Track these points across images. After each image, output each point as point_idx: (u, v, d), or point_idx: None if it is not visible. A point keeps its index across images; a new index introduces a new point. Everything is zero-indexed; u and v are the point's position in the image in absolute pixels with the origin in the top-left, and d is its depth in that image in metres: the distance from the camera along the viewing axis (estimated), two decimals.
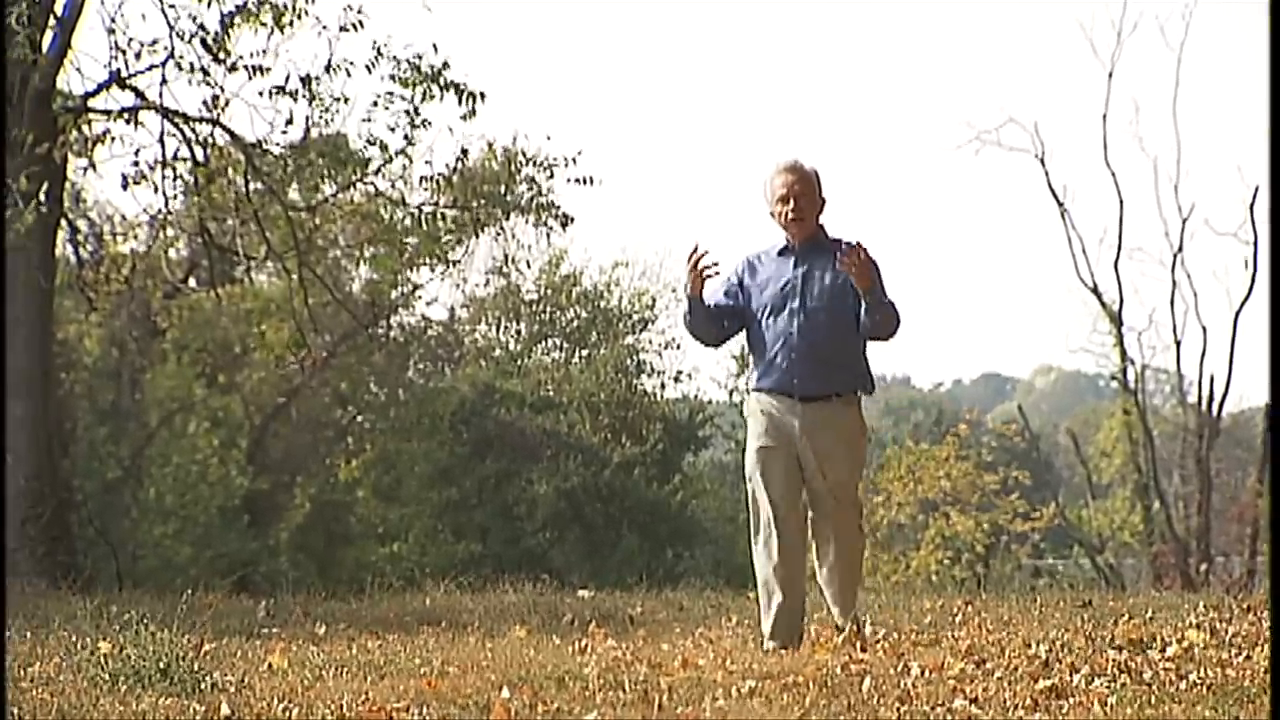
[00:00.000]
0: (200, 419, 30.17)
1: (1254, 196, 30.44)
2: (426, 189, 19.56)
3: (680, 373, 34.01)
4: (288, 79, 17.54)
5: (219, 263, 21.95)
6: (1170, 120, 45.01)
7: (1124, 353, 32.79)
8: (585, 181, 21.11)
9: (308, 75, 17.57)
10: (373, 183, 19.29)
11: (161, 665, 7.10)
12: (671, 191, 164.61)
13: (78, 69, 17.59)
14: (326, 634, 10.18)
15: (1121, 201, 32.51)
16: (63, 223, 19.12)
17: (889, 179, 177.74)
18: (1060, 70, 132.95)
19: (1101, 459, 43.97)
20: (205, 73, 17.28)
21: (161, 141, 17.85)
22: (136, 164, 17.86)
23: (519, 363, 33.84)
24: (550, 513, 29.60)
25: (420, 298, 32.43)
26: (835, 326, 8.42)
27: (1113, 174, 32.77)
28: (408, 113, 18.08)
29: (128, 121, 17.67)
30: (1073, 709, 6.07)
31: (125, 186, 17.97)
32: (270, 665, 7.93)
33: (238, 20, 17.07)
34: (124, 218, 24.67)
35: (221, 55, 17.20)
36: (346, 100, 17.88)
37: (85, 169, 19.11)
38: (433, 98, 18.00)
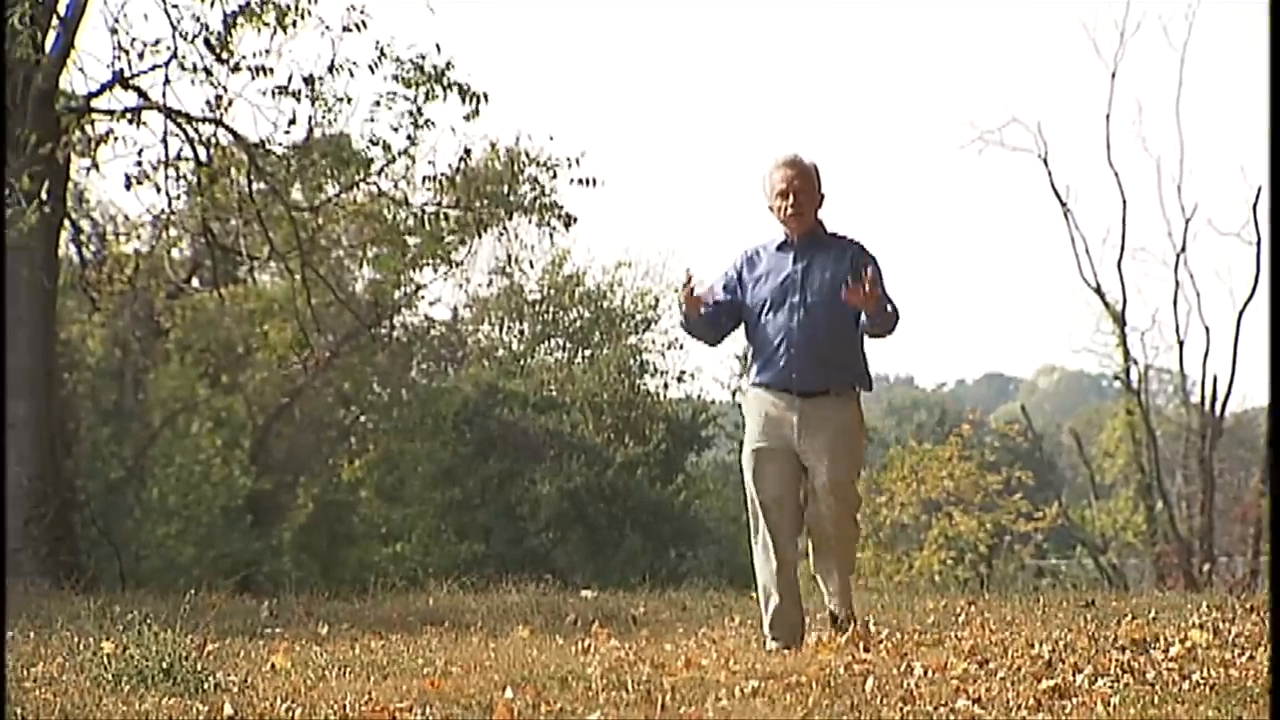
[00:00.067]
0: (203, 419, 30.17)
1: (1257, 196, 30.46)
2: (429, 189, 19.60)
3: (683, 373, 34.05)
4: (291, 79, 17.57)
5: (222, 263, 21.94)
6: (1173, 120, 44.93)
7: (1127, 353, 32.80)
8: (588, 182, 21.11)
9: (311, 75, 17.59)
10: (376, 183, 19.32)
11: (165, 665, 7.10)
12: (674, 192, 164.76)
13: (81, 69, 17.64)
14: (329, 634, 10.18)
15: (1124, 201, 32.55)
16: (66, 223, 19.12)
17: (892, 179, 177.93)
18: (1063, 70, 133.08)
19: (1104, 459, 44.00)
20: (208, 73, 17.30)
21: (164, 141, 17.90)
22: (139, 164, 17.90)
23: (522, 363, 33.85)
24: (553, 513, 29.60)
25: (423, 298, 32.47)
26: (834, 323, 8.41)
27: (1116, 174, 32.86)
28: (411, 113, 18.10)
29: (131, 121, 17.68)
30: (1076, 709, 6.07)
31: (128, 186, 18.01)
32: (273, 665, 7.93)
33: (241, 20, 17.09)
34: (127, 218, 24.76)
35: (224, 55, 17.22)
36: (349, 100, 17.92)
37: (88, 169, 19.14)
38: (436, 98, 18.02)
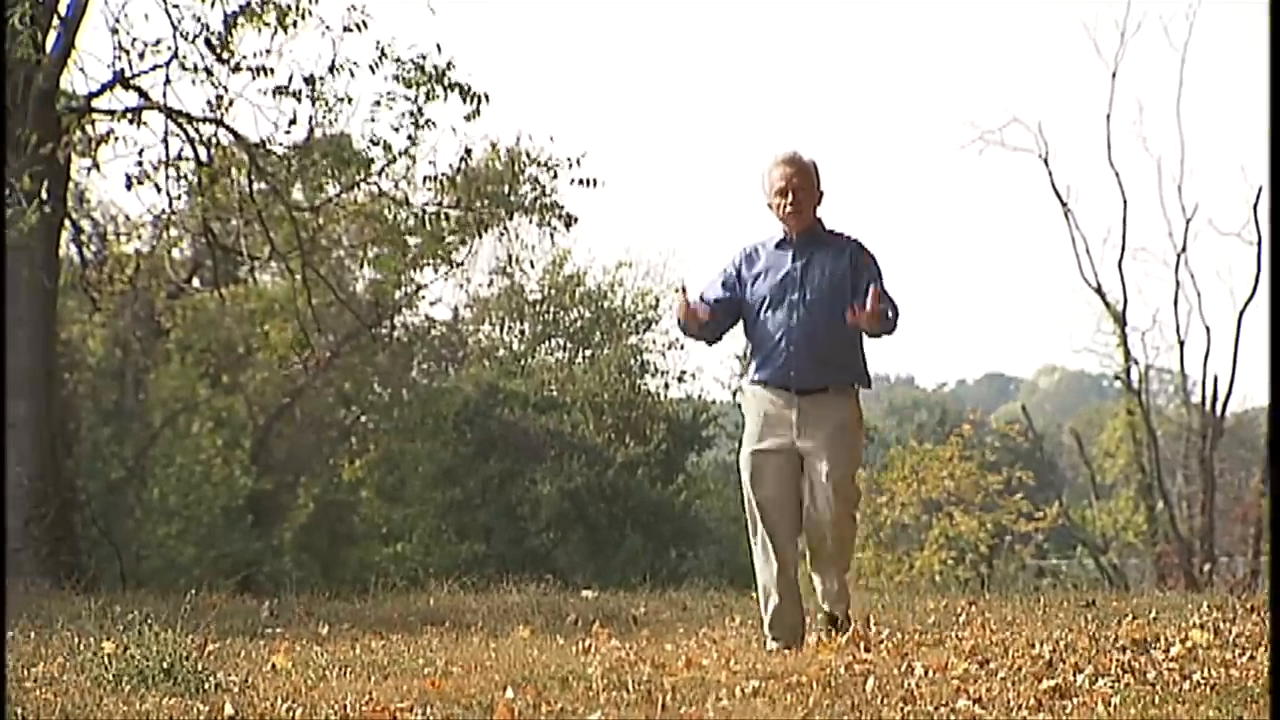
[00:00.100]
0: (204, 419, 30.18)
1: (1257, 196, 30.46)
2: (430, 189, 19.60)
3: (684, 373, 34.06)
4: (291, 79, 17.57)
5: (223, 263, 21.94)
6: (1174, 120, 44.95)
7: (1128, 353, 32.81)
8: (589, 183, 21.09)
9: (311, 75, 17.59)
10: (376, 183, 19.32)
11: (165, 665, 7.10)
12: (675, 192, 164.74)
13: (81, 69, 17.64)
14: (330, 634, 10.18)
15: (1125, 201, 32.55)
16: (66, 223, 19.12)
17: (893, 179, 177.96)
18: (1064, 70, 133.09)
19: (1105, 459, 44.00)
20: (209, 73, 17.30)
21: (165, 141, 17.90)
22: (140, 164, 17.90)
23: (523, 363, 33.86)
24: (554, 513, 29.61)
25: (424, 298, 32.48)
26: (833, 320, 8.40)
27: (1116, 174, 32.87)
28: (411, 113, 18.09)
29: (131, 121, 17.68)
30: (1076, 709, 6.07)
31: (129, 186, 18.01)
32: (274, 665, 7.93)
33: (241, 20, 17.09)
34: (128, 218, 24.77)
35: (225, 55, 17.22)
36: (350, 100, 17.92)
37: (89, 169, 19.15)
38: (436, 98, 18.01)
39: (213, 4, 16.93)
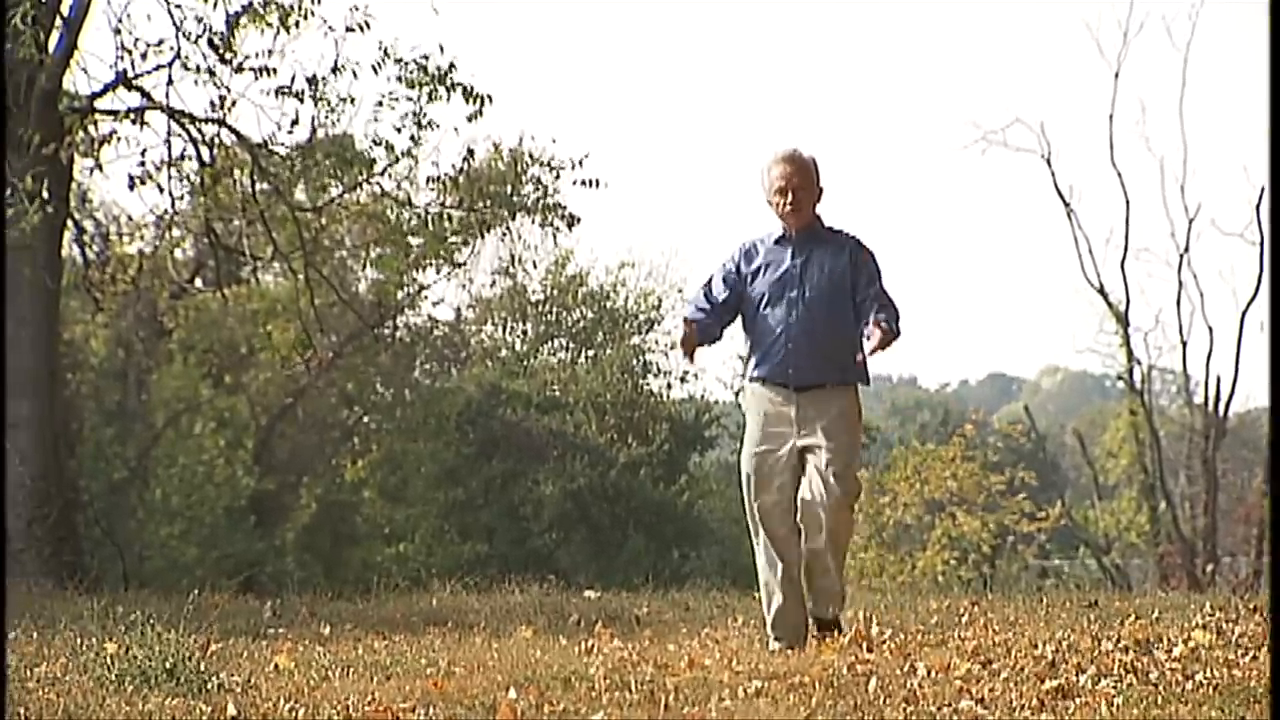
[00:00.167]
0: (206, 419, 30.19)
1: (1260, 196, 30.44)
2: (432, 189, 19.58)
3: (686, 373, 34.02)
4: (294, 79, 17.57)
5: (225, 263, 21.93)
6: (1177, 120, 45.24)
7: (1130, 353, 32.79)
8: (591, 184, 21.09)
9: (314, 76, 17.58)
10: (379, 183, 19.30)
11: (168, 666, 7.11)
12: (677, 192, 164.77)
13: (84, 69, 17.65)
14: (332, 634, 10.18)
15: (1128, 202, 32.52)
16: (69, 223, 19.12)
17: (896, 179, 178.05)
18: (1066, 71, 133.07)
19: (1108, 459, 43.96)
20: (211, 73, 17.30)
21: (168, 142, 17.88)
22: (143, 164, 17.89)
23: (525, 363, 33.85)
24: (556, 513, 29.61)
25: (426, 298, 32.46)
26: (833, 318, 8.42)
27: (1119, 174, 32.77)
28: (414, 113, 18.08)
29: (134, 122, 17.68)
30: (1079, 709, 6.07)
31: (131, 187, 18.00)
32: (276, 666, 7.93)
33: (244, 21, 17.08)
34: (130, 218, 24.78)
35: (228, 56, 17.21)
36: (353, 101, 17.90)
37: (91, 169, 19.17)
38: (439, 99, 18.00)
39: (215, 4, 16.93)
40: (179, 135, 17.90)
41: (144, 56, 17.25)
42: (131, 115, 17.64)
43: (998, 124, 34.16)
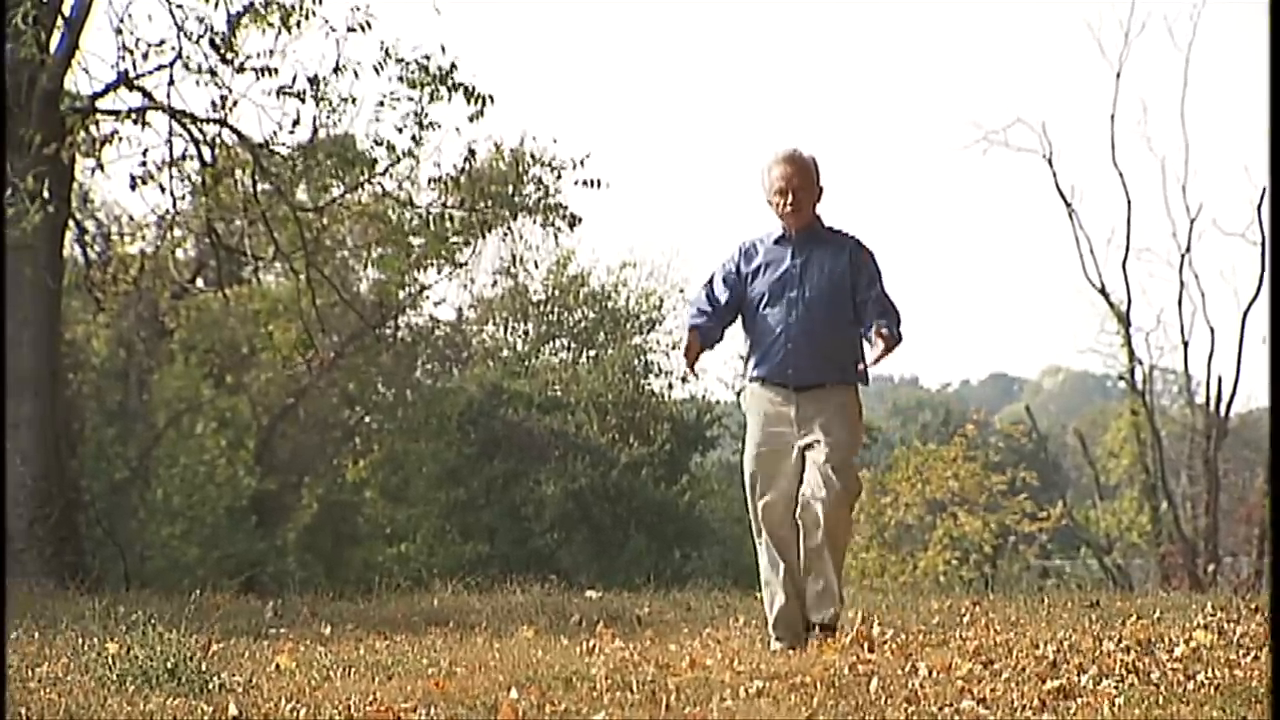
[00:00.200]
0: (208, 419, 30.19)
1: (1261, 197, 30.42)
2: (434, 190, 19.57)
3: (685, 374, 33.99)
4: (295, 79, 17.56)
5: (227, 263, 21.93)
6: (1178, 120, 45.21)
7: (1132, 353, 32.77)
8: (593, 184, 21.09)
9: (315, 76, 17.57)
10: (380, 183, 19.29)
11: (169, 666, 7.11)
12: (679, 192, 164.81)
13: (85, 69, 17.64)
14: (334, 634, 10.18)
15: (1129, 202, 32.50)
16: (70, 223, 19.11)
17: (897, 179, 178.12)
18: (1068, 71, 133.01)
19: (1109, 459, 43.98)
20: (213, 73, 17.30)
21: (169, 142, 17.87)
22: (144, 164, 17.89)
23: (526, 363, 33.83)
24: (558, 513, 29.60)
25: (428, 298, 32.45)
26: (832, 318, 8.44)
27: (1120, 174, 32.74)
28: (415, 114, 18.07)
29: (135, 122, 17.68)
30: (1080, 709, 6.07)
31: (133, 187, 18.00)
32: (278, 666, 7.93)
33: (245, 21, 17.07)
34: (131, 218, 24.78)
35: (229, 56, 17.21)
36: (354, 101, 17.89)
37: (93, 169, 19.16)
38: (440, 99, 17.99)
39: (216, 4, 16.92)
40: (180, 135, 17.90)
41: (145, 56, 17.26)
42: (133, 115, 17.65)
43: (999, 124, 34.34)
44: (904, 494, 32.03)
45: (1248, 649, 7.41)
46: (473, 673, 7.45)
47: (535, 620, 10.87)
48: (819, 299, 8.44)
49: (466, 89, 17.85)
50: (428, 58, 17.89)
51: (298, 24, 17.09)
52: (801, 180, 8.51)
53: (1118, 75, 32.78)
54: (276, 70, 17.36)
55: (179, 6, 17.07)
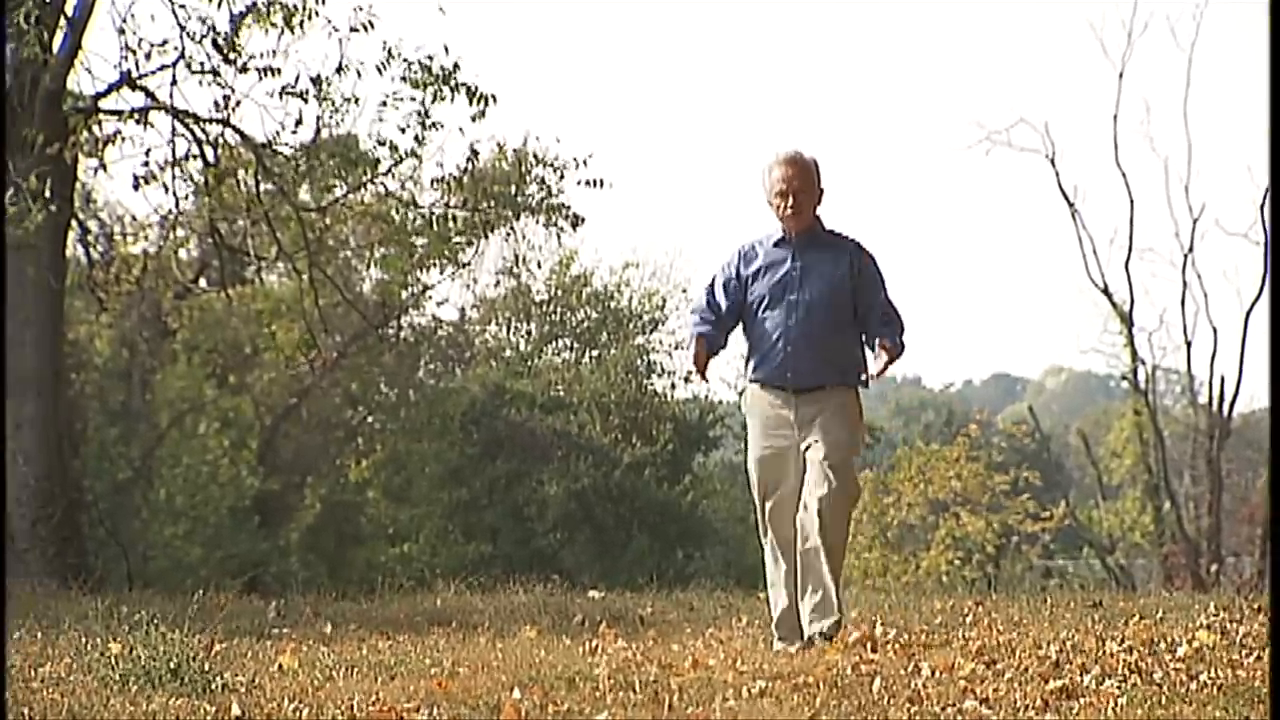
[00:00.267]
0: (211, 419, 30.18)
1: (1264, 197, 30.41)
2: (437, 190, 19.56)
3: (690, 373, 33.92)
4: (298, 79, 17.54)
5: (229, 263, 21.94)
6: (1181, 120, 45.19)
7: (1134, 353, 32.78)
8: (596, 184, 21.09)
9: (318, 76, 17.56)
10: (383, 183, 19.29)
11: (172, 666, 7.11)
12: (681, 193, 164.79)
13: (88, 69, 17.63)
14: (337, 634, 10.18)
15: (1132, 202, 32.50)
16: (73, 223, 19.12)
17: (900, 179, 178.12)
18: (1071, 71, 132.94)
19: (1112, 459, 43.98)
20: (215, 73, 17.29)
21: (172, 142, 17.86)
22: (147, 164, 17.89)
23: (529, 363, 33.82)
24: (561, 513, 29.59)
25: (430, 298, 32.42)
26: (832, 321, 8.45)
27: (1123, 174, 32.76)
28: (418, 114, 18.06)
29: (138, 122, 17.69)
30: (1083, 709, 6.07)
31: (136, 187, 18.00)
32: (281, 666, 7.93)
33: (248, 21, 17.07)
34: (134, 218, 24.84)
35: (232, 56, 17.20)
36: (357, 101, 17.88)
37: (96, 169, 19.18)
38: (443, 99, 17.98)
39: (219, 4, 16.90)
40: (183, 135, 17.90)
41: (148, 56, 17.26)
42: (136, 115, 17.65)
43: (1002, 124, 34.18)
44: (907, 494, 32.03)
45: (1250, 649, 7.41)
46: (475, 673, 7.45)
47: (538, 620, 10.87)
48: (819, 302, 8.44)
49: (469, 89, 17.84)
50: (430, 58, 17.88)
51: (300, 24, 17.07)
52: (802, 182, 8.50)
53: (1120, 75, 32.82)
54: (279, 70, 17.37)
55: (181, 6, 17.08)
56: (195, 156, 18.13)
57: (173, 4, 17.06)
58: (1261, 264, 30.78)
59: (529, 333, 34.99)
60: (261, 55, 17.30)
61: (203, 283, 26.35)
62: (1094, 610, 10.30)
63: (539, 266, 34.48)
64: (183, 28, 17.10)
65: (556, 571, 19.61)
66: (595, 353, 33.98)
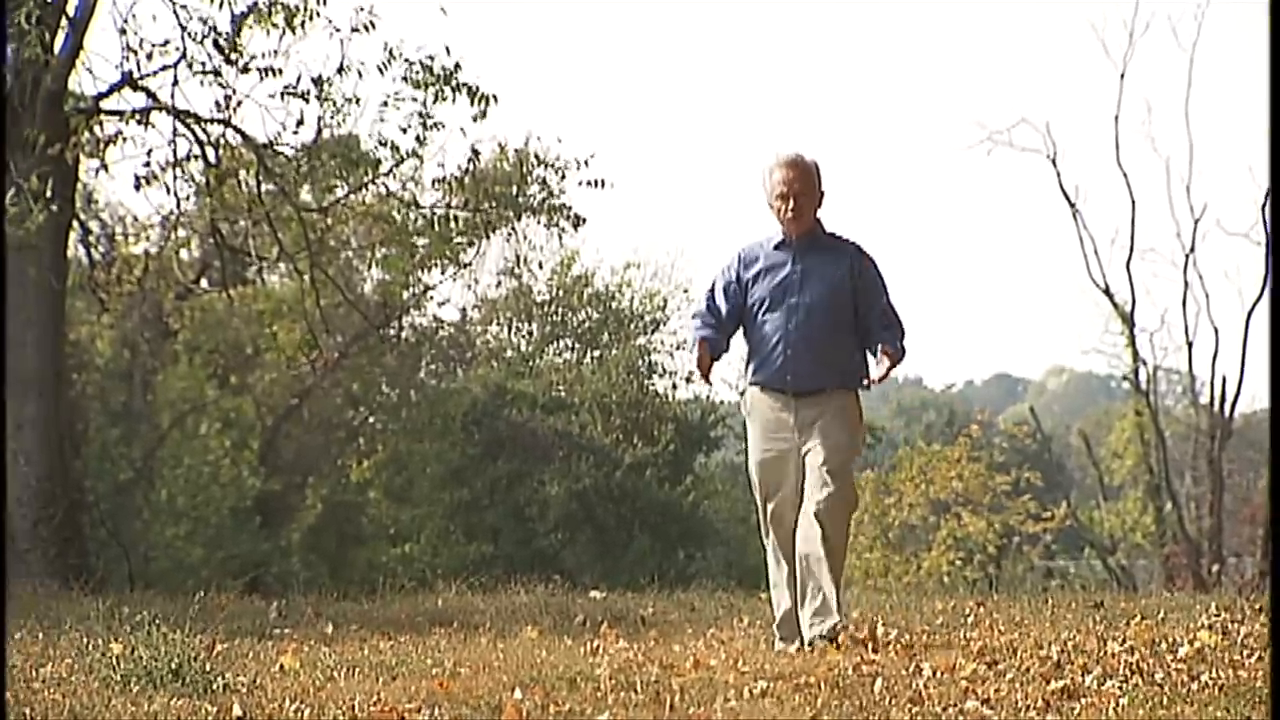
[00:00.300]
0: (212, 420, 30.18)
1: (1266, 197, 30.40)
2: (438, 190, 19.56)
3: (692, 373, 33.89)
4: (299, 80, 17.55)
5: (231, 264, 21.95)
6: (1182, 120, 45.24)
7: (1136, 353, 32.77)
8: (597, 184, 21.10)
9: (319, 76, 17.57)
10: (384, 184, 19.31)
11: (173, 666, 7.11)
12: (683, 193, 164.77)
13: (89, 70, 17.66)
14: (338, 635, 10.19)
15: (1133, 202, 32.50)
16: (74, 224, 19.13)
17: (901, 179, 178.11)
18: (1072, 71, 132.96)
19: (1113, 460, 43.95)
20: (217, 74, 17.30)
21: (173, 142, 17.89)
22: (148, 165, 17.91)
23: (530, 364, 33.81)
24: (562, 514, 29.59)
25: (432, 299, 32.42)
26: (832, 325, 8.44)
27: (1125, 174, 32.75)
28: (419, 114, 18.07)
29: (140, 122, 17.70)
30: (1085, 710, 6.07)
31: (137, 187, 18.02)
32: (282, 666, 7.93)
33: (249, 21, 17.08)
34: (136, 219, 24.84)
35: (233, 56, 17.21)
36: (358, 101, 17.89)
37: (97, 170, 19.20)
38: (444, 99, 17.98)
39: (221, 5, 16.92)
40: (184, 136, 17.92)
41: (149, 57, 17.27)
42: (137, 116, 17.67)
43: (1003, 124, 34.33)
44: (908, 494, 32.01)
45: (1252, 650, 7.41)
46: (477, 673, 7.45)
47: (539, 621, 10.88)
48: (819, 305, 8.44)
49: (470, 89, 17.84)
50: (432, 58, 17.89)
51: (302, 24, 17.08)
52: (803, 185, 8.50)
53: (1122, 75, 32.82)
54: (280, 71, 17.38)
55: (183, 7, 17.10)
56: (196, 157, 18.15)
57: (174, 4, 17.09)
58: (1263, 264, 30.76)
59: (530, 333, 34.98)
60: (263, 56, 17.33)
61: (204, 283, 26.35)
62: (1095, 611, 10.30)
63: (540, 267, 34.49)
64: (184, 28, 17.12)
65: (558, 572, 19.61)
66: (596, 353, 33.97)
